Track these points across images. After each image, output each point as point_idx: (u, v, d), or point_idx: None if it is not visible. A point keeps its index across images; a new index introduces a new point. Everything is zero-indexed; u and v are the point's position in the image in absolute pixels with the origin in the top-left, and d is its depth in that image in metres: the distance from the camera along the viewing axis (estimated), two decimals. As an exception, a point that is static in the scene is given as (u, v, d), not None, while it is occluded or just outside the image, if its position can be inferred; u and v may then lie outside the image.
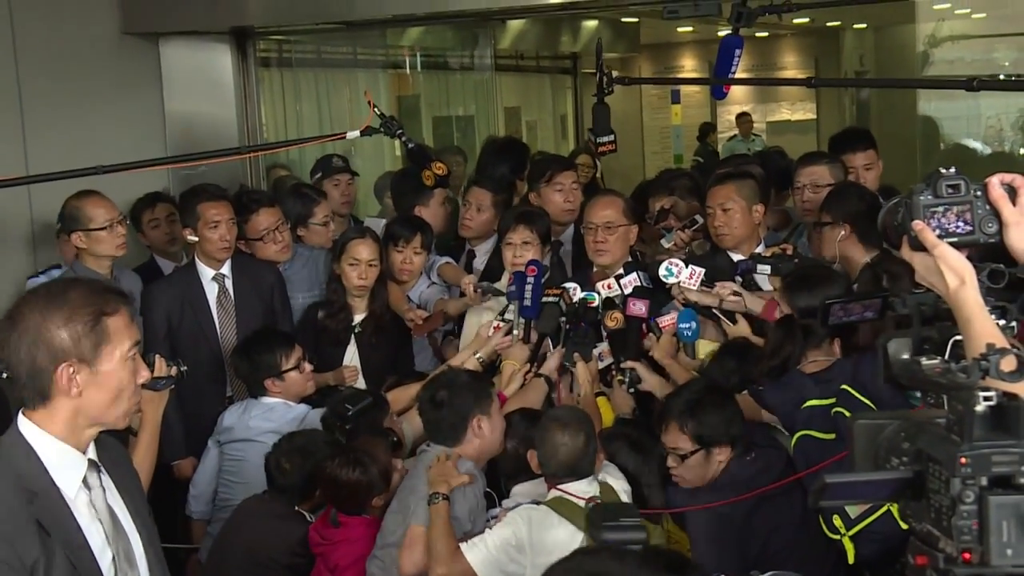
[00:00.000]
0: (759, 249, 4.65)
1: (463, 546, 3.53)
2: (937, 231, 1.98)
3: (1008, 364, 1.60)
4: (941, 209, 1.98)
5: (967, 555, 1.53)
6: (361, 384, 4.85)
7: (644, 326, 4.42)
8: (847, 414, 3.48)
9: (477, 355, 4.51)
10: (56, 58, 5.93)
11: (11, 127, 5.68)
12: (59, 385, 2.40)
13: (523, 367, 4.41)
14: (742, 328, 4.34)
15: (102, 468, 2.53)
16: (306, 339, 4.82)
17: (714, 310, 4.42)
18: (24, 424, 2.44)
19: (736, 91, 15.01)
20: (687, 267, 4.43)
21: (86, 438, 2.48)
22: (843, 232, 4.44)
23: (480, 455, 3.89)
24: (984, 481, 1.52)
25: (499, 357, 4.53)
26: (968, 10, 11.33)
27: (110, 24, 6.29)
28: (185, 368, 3.73)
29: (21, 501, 2.34)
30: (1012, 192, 2.00)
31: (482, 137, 10.88)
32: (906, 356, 1.98)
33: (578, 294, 4.51)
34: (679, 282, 4.42)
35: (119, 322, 2.45)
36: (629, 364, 4.38)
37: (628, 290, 4.50)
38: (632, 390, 4.35)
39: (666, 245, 4.99)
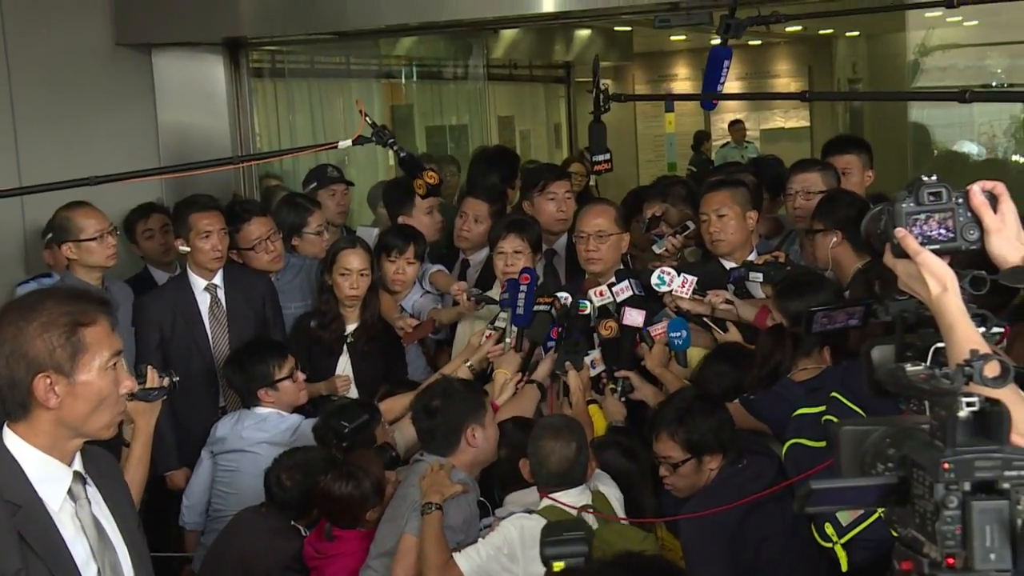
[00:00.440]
0: (751, 257, 4.66)
1: (456, 555, 3.54)
2: (919, 238, 1.99)
3: (991, 370, 1.61)
4: (923, 216, 2.00)
5: (951, 560, 1.53)
6: (354, 394, 4.85)
7: (637, 335, 4.43)
8: (836, 422, 3.48)
9: (468, 363, 4.51)
10: (49, 69, 5.93)
11: (4, 137, 5.68)
12: (37, 396, 2.39)
13: (515, 376, 4.41)
14: (733, 336, 4.37)
15: (88, 480, 2.52)
16: (298, 349, 4.82)
17: (705, 318, 4.44)
18: (8, 436, 2.44)
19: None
20: (679, 275, 4.44)
21: (70, 449, 2.47)
22: (835, 239, 4.45)
23: (473, 464, 3.89)
24: (967, 486, 1.53)
25: (490, 365, 4.53)
26: (960, 18, 11.35)
27: (103, 35, 6.29)
28: (177, 379, 3.72)
29: (3, 514, 2.32)
30: (993, 199, 2.01)
31: (475, 146, 10.89)
32: (890, 363, 1.99)
33: (569, 301, 4.51)
34: (671, 290, 4.43)
35: (97, 332, 2.43)
36: (622, 373, 4.40)
37: (620, 298, 4.51)
38: (624, 399, 4.36)
39: (657, 251, 5.01)
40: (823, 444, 3.58)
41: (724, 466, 3.77)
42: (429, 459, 3.84)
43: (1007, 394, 1.67)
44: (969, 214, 2.00)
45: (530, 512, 3.65)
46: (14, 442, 2.43)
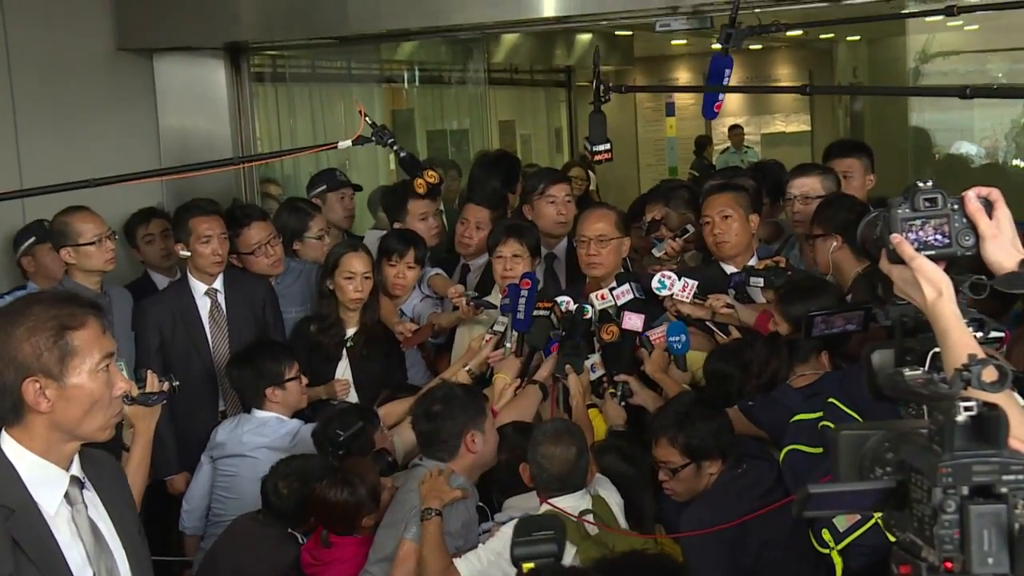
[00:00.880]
0: (752, 261, 4.66)
1: (456, 561, 3.54)
2: (915, 244, 2.00)
3: (989, 375, 1.61)
4: (918, 222, 2.00)
5: (949, 564, 1.53)
6: (353, 398, 4.85)
7: (637, 339, 4.44)
8: (834, 427, 3.48)
9: (467, 367, 4.52)
10: (51, 73, 5.94)
11: (5, 141, 5.69)
12: (27, 401, 2.39)
13: (514, 381, 4.41)
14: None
15: (87, 484, 2.51)
16: (298, 353, 4.82)
17: (707, 322, 4.44)
18: (4, 441, 2.44)
19: (730, 104, 15.04)
20: (680, 279, 4.44)
21: (66, 453, 2.47)
22: (835, 243, 4.45)
23: (473, 470, 3.90)
24: (965, 490, 1.53)
25: (490, 370, 4.53)
26: (960, 23, 11.35)
27: (105, 40, 6.31)
28: (177, 383, 3.73)
29: None
30: (988, 206, 2.02)
31: (476, 151, 10.89)
32: (890, 367, 2.00)
33: (570, 307, 4.51)
34: (672, 294, 4.43)
35: (86, 334, 2.42)
36: (622, 377, 4.40)
37: (621, 301, 4.51)
38: (624, 403, 4.36)
39: (657, 255, 5.01)
40: (820, 450, 3.59)
41: (724, 471, 3.77)
42: (428, 464, 3.84)
43: (1004, 399, 1.68)
44: (964, 220, 2.01)
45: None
46: (9, 446, 2.43)
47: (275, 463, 4.14)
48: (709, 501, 3.73)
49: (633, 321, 4.44)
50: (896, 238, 2.01)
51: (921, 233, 2.00)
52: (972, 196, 2.01)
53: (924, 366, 1.90)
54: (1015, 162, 11.85)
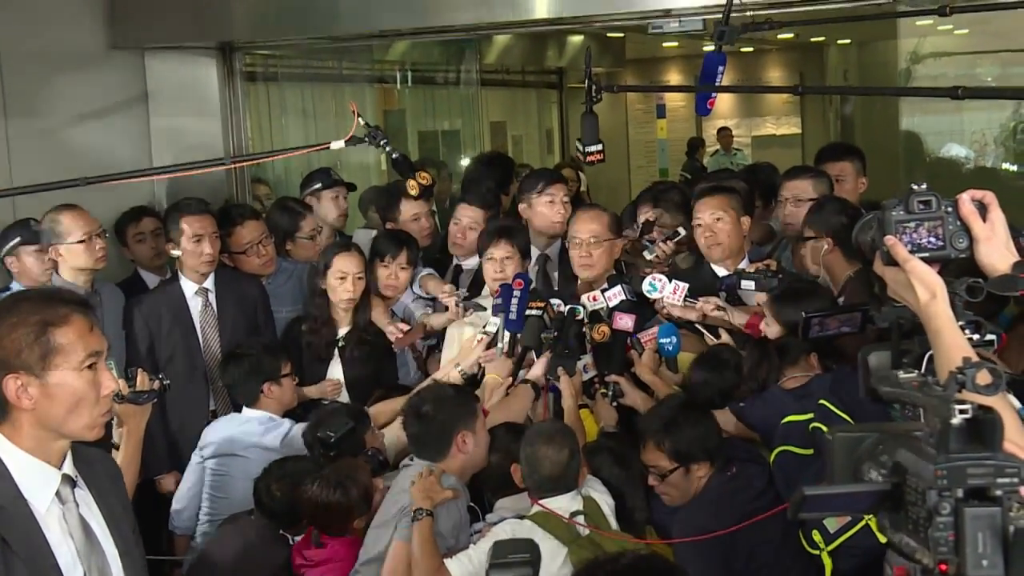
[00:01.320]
0: (743, 264, 4.66)
1: (448, 561, 3.53)
2: (909, 246, 2.01)
3: (983, 378, 1.62)
4: (912, 224, 2.01)
5: (944, 566, 1.54)
6: (344, 398, 4.85)
7: (628, 340, 4.44)
8: (824, 429, 3.49)
9: (459, 367, 4.51)
10: (42, 71, 5.92)
11: (-4, 139, 5.68)
12: (8, 397, 2.38)
13: (506, 381, 4.41)
14: (725, 343, 4.36)
15: (79, 482, 2.51)
16: (290, 353, 4.81)
17: (698, 324, 4.44)
18: None
19: (721, 106, 15.07)
20: (671, 282, 4.44)
21: (56, 451, 2.46)
22: (826, 246, 4.46)
23: (464, 470, 3.89)
24: (960, 493, 1.53)
25: (482, 370, 4.53)
26: (951, 26, 11.38)
27: (97, 38, 6.28)
28: (168, 382, 3.71)
29: None
30: (982, 208, 2.03)
31: (468, 151, 10.89)
32: (886, 368, 2.00)
33: (562, 308, 4.51)
34: (663, 297, 4.44)
35: (70, 332, 2.41)
36: (613, 378, 4.40)
37: (613, 303, 4.51)
38: (615, 404, 4.37)
39: (648, 257, 5.00)
40: (811, 452, 3.60)
41: (713, 474, 3.77)
42: (419, 464, 3.83)
43: (997, 402, 1.68)
44: (958, 223, 2.02)
45: (521, 518, 3.65)
46: (1, 443, 2.42)
47: (268, 465, 4.13)
48: (701, 505, 3.73)
49: (624, 321, 4.44)
50: (890, 240, 2.02)
51: (915, 235, 2.01)
52: (966, 199, 2.02)
53: (920, 368, 1.90)
54: (1005, 165, 11.90)
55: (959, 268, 2.06)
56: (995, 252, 2.01)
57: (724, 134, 15.70)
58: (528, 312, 4.40)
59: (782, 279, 4.38)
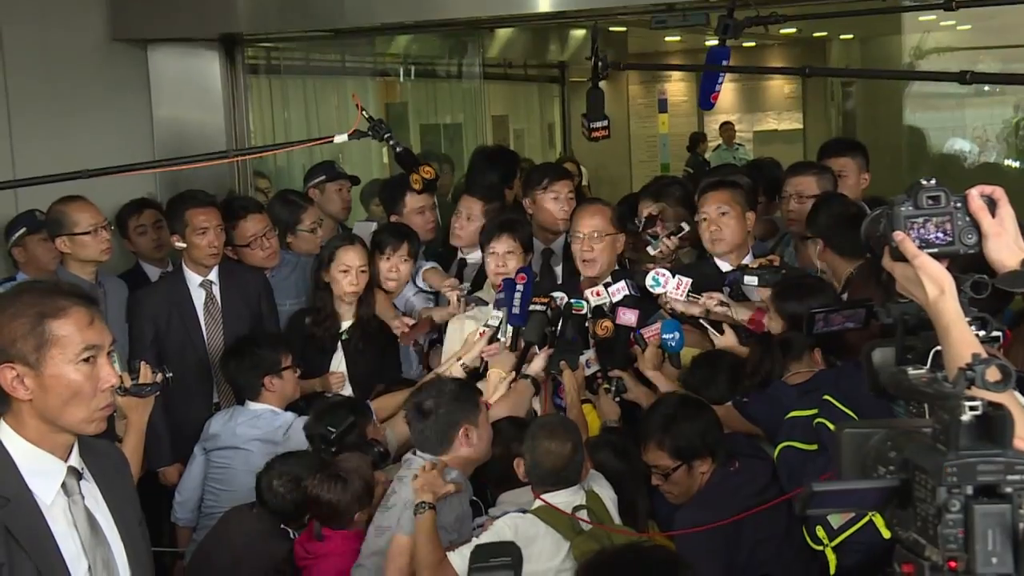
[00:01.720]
0: (747, 260, 4.66)
1: (450, 554, 3.53)
2: (917, 242, 2.00)
3: (993, 374, 1.61)
4: (921, 220, 2.00)
5: (953, 563, 1.53)
6: (348, 391, 4.84)
7: (631, 335, 4.43)
8: (829, 424, 3.49)
9: (461, 361, 4.51)
10: (44, 64, 5.92)
11: (-1, 131, 5.69)
12: (5, 387, 2.38)
13: (509, 375, 4.41)
14: (729, 338, 4.36)
15: (85, 475, 2.50)
16: (293, 346, 4.81)
17: (701, 320, 4.44)
18: (1, 429, 2.43)
19: (723, 101, 15.01)
20: (674, 277, 4.43)
21: (61, 443, 2.45)
22: (819, 246, 4.48)
23: (467, 464, 3.89)
24: (970, 490, 1.53)
25: (484, 364, 4.53)
26: (953, 22, 11.39)
27: (99, 30, 6.28)
28: (171, 375, 3.72)
29: None
30: (992, 204, 2.02)
31: (470, 145, 10.88)
32: (891, 365, 2.00)
33: (564, 301, 4.51)
34: (666, 292, 4.43)
35: (67, 324, 2.40)
36: (616, 373, 4.39)
37: (616, 298, 4.50)
38: (618, 399, 4.36)
39: (652, 252, 5.00)
40: (815, 447, 3.59)
41: (716, 469, 3.77)
42: (422, 458, 3.83)
43: (1006, 399, 1.67)
44: (968, 218, 2.01)
45: (524, 512, 3.64)
46: (6, 434, 2.43)
47: (271, 460, 4.13)
48: (704, 501, 3.73)
49: (627, 316, 4.43)
50: (899, 235, 2.01)
51: (924, 231, 2.00)
52: (975, 194, 2.01)
53: (925, 364, 1.90)
54: (1007, 161, 11.90)
55: (964, 264, 2.05)
56: (1004, 248, 2.00)
57: (727, 128, 15.68)
58: (532, 307, 4.40)
59: (786, 275, 4.38)
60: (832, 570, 3.48)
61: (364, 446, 4.09)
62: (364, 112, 3.99)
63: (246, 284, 5.06)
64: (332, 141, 4.13)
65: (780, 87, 17.36)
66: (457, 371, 4.46)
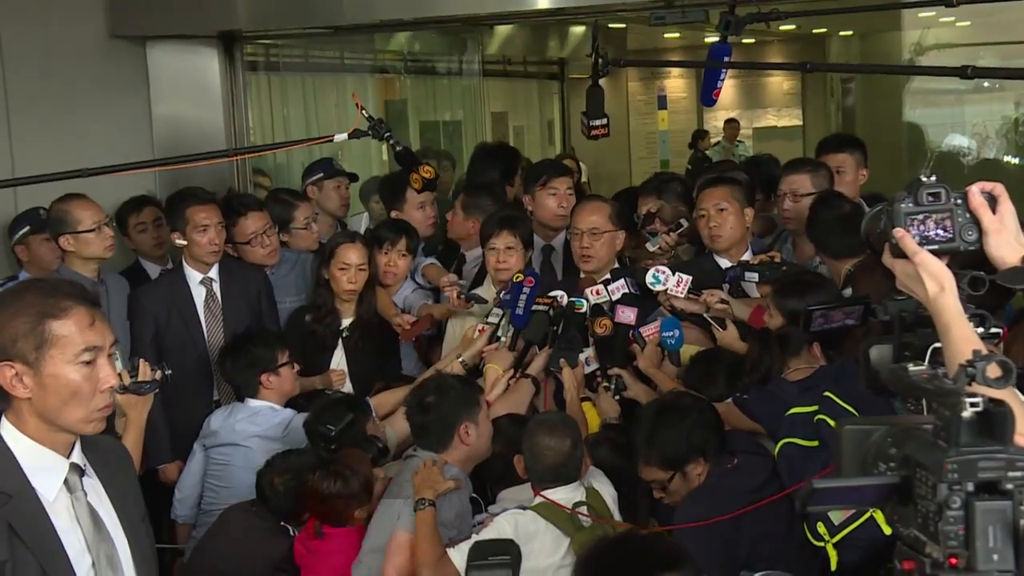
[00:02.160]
0: (747, 256, 4.66)
1: (450, 551, 3.54)
2: (917, 238, 2.00)
3: (994, 370, 1.61)
4: (921, 217, 2.00)
5: (954, 560, 1.54)
6: (348, 388, 4.85)
7: (630, 333, 4.43)
8: (829, 421, 3.49)
9: (460, 358, 4.51)
10: (43, 61, 5.91)
11: (-3, 129, 5.68)
12: (4, 384, 2.38)
13: (506, 373, 4.41)
14: (731, 334, 4.35)
15: (87, 471, 2.50)
16: (293, 343, 4.81)
17: (705, 316, 4.43)
18: (3, 426, 2.43)
19: (723, 97, 14.97)
20: (674, 275, 4.43)
21: (63, 440, 2.45)
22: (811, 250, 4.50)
23: (467, 461, 3.89)
24: (970, 487, 1.53)
25: (483, 360, 4.53)
26: (953, 18, 11.38)
27: (98, 27, 6.27)
28: (170, 372, 3.71)
29: None
30: (992, 200, 2.01)
31: (469, 142, 10.87)
32: (888, 362, 2.00)
33: (563, 301, 4.51)
34: (666, 290, 4.43)
35: (68, 324, 2.39)
36: (615, 371, 4.39)
37: (616, 296, 4.50)
38: (618, 397, 4.36)
39: (651, 249, 5.00)
40: (816, 444, 3.59)
41: (712, 467, 3.74)
42: (422, 455, 3.83)
43: (1006, 395, 1.67)
44: (968, 215, 2.01)
45: (524, 508, 3.65)
46: (8, 431, 2.43)
47: (271, 458, 4.14)
48: (702, 497, 3.71)
49: (626, 314, 4.43)
50: (899, 232, 2.01)
51: (924, 227, 2.00)
52: (976, 191, 2.01)
53: (924, 361, 1.90)
54: (1007, 157, 11.90)
55: (965, 261, 2.05)
56: (1005, 245, 2.00)
57: (732, 126, 15.67)
58: (534, 307, 4.40)
59: (786, 271, 4.38)
60: (833, 566, 3.47)
61: (363, 443, 4.09)
62: (364, 111, 3.99)
63: (246, 281, 5.06)
64: (332, 140, 4.13)
65: (780, 83, 17.35)
66: (456, 368, 4.46)
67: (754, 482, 3.71)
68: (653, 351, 4.38)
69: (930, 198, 2.00)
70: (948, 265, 2.01)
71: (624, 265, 4.88)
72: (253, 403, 4.61)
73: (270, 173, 8.09)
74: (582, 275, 4.73)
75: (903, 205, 2.01)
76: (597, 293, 4.52)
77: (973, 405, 1.55)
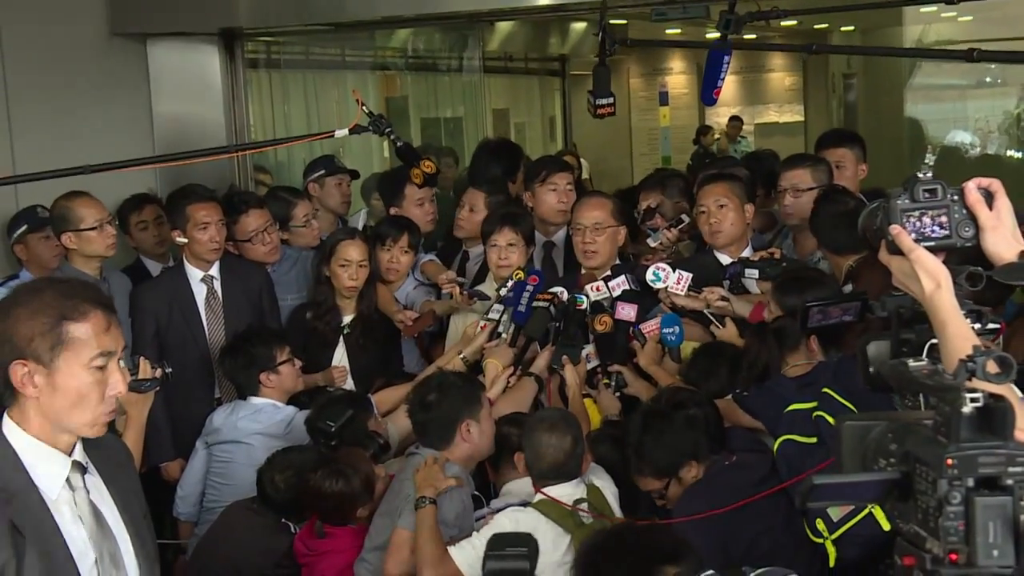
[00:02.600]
0: (747, 252, 4.66)
1: (451, 549, 3.54)
2: (914, 235, 1.99)
3: (993, 366, 1.61)
4: (918, 213, 2.00)
5: (954, 556, 1.54)
6: (350, 385, 4.85)
7: (630, 330, 4.43)
8: (828, 418, 3.48)
9: (461, 355, 4.51)
10: (44, 58, 5.91)
11: (-2, 127, 5.68)
12: (15, 382, 2.37)
13: (506, 369, 4.41)
14: (730, 331, 4.35)
15: (89, 468, 2.50)
16: (294, 340, 4.82)
17: (705, 312, 4.43)
18: (6, 424, 2.43)
19: (724, 93, 14.99)
20: (674, 272, 4.43)
21: (65, 439, 2.45)
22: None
23: (468, 459, 3.89)
24: (970, 482, 1.53)
25: (483, 357, 4.53)
26: (954, 14, 11.36)
27: (98, 25, 6.27)
28: (171, 370, 3.71)
29: None
30: (989, 196, 2.01)
31: (470, 139, 10.86)
32: (886, 358, 1.99)
33: (563, 298, 4.51)
34: (666, 287, 4.43)
35: (85, 328, 2.39)
36: (616, 368, 4.39)
37: (616, 292, 4.50)
38: (618, 393, 4.36)
39: (652, 244, 5.00)
40: (815, 440, 3.58)
41: (709, 464, 3.73)
42: (424, 452, 3.83)
43: (1004, 391, 1.67)
44: (964, 211, 2.00)
45: (525, 505, 3.65)
46: (10, 429, 2.42)
47: (272, 455, 4.13)
48: (700, 493, 3.70)
49: (626, 311, 4.44)
50: (895, 229, 2.00)
51: (920, 224, 2.00)
52: (972, 187, 2.01)
53: (922, 357, 1.89)
54: (1009, 152, 11.89)
55: (962, 257, 2.05)
56: (1002, 241, 1.99)
57: (735, 124, 15.65)
58: (536, 304, 4.40)
59: (786, 267, 4.37)
60: (832, 563, 3.47)
61: (364, 439, 4.09)
62: (364, 107, 3.99)
63: (247, 279, 5.06)
64: (333, 136, 4.13)
65: (781, 79, 17.35)
66: (458, 364, 4.46)
67: (753, 478, 3.70)
68: (653, 348, 4.38)
69: (926, 194, 2.00)
70: (945, 261, 2.01)
71: (625, 261, 4.87)
72: (255, 400, 4.61)
73: (271, 170, 8.09)
74: (582, 271, 4.73)
75: (899, 201, 2.00)
76: (597, 290, 4.52)
77: (973, 401, 1.55)
